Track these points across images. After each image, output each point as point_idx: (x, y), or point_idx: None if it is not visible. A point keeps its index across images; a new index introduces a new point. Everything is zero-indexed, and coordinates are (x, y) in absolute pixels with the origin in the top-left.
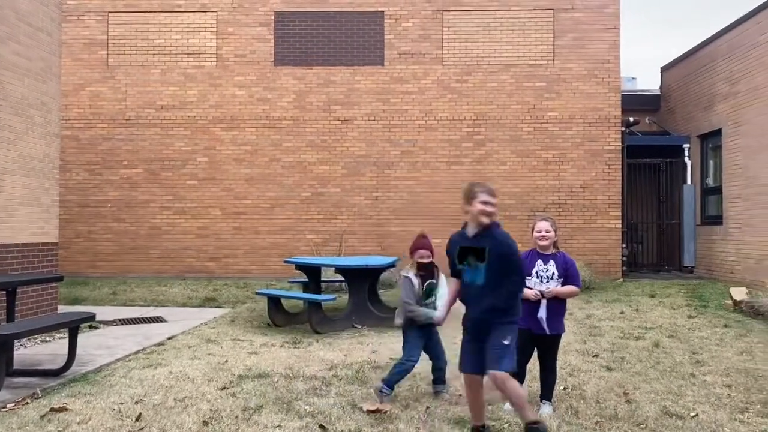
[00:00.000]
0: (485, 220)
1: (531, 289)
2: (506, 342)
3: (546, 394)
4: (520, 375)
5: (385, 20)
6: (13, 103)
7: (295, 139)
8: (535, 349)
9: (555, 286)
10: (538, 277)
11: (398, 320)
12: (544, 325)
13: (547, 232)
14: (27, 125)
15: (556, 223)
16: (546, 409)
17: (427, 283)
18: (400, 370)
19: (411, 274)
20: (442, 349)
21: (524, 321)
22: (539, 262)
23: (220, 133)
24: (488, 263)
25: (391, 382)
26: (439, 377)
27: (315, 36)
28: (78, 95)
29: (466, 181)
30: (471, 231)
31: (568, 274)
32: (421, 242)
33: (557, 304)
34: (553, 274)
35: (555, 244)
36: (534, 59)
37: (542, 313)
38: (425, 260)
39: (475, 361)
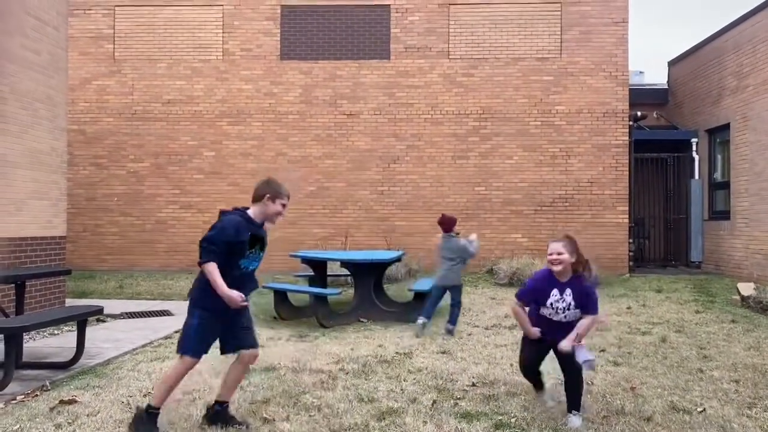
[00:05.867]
0: (277, 221)
1: (540, 334)
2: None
3: (574, 403)
4: (535, 378)
5: (391, 14)
6: (20, 97)
7: (301, 134)
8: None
9: (573, 317)
10: (553, 308)
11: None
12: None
13: (559, 254)
14: (34, 119)
15: (576, 244)
16: (575, 422)
17: None
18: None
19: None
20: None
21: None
22: (554, 292)
23: (226, 128)
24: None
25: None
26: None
27: (321, 30)
28: (84, 89)
29: (266, 177)
30: (258, 220)
31: (584, 303)
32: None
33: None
34: (570, 305)
35: (577, 266)
36: (541, 53)
37: (582, 357)
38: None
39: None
